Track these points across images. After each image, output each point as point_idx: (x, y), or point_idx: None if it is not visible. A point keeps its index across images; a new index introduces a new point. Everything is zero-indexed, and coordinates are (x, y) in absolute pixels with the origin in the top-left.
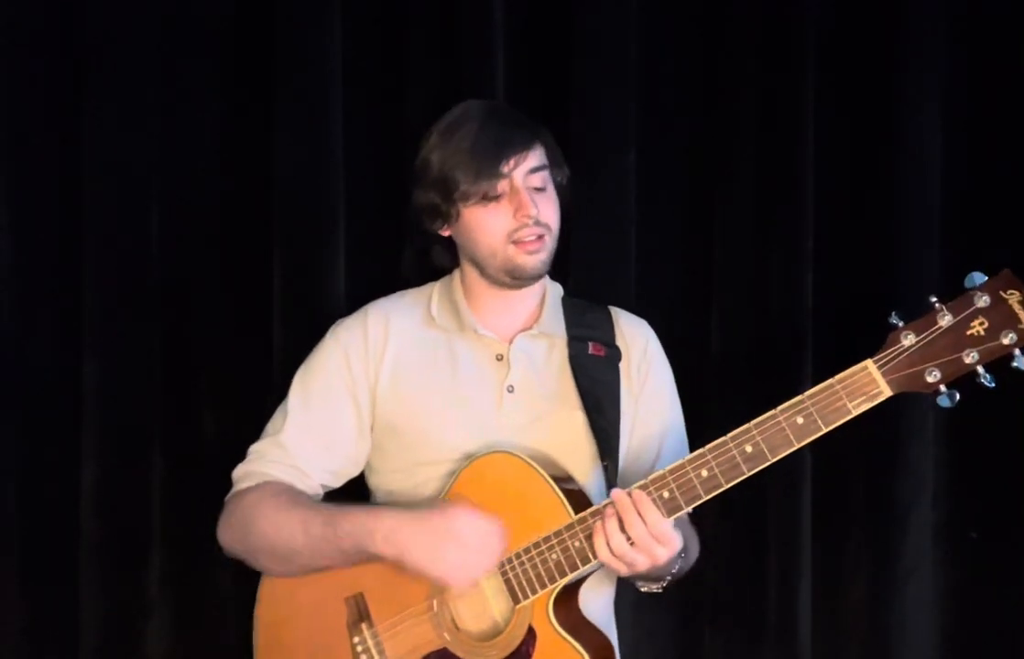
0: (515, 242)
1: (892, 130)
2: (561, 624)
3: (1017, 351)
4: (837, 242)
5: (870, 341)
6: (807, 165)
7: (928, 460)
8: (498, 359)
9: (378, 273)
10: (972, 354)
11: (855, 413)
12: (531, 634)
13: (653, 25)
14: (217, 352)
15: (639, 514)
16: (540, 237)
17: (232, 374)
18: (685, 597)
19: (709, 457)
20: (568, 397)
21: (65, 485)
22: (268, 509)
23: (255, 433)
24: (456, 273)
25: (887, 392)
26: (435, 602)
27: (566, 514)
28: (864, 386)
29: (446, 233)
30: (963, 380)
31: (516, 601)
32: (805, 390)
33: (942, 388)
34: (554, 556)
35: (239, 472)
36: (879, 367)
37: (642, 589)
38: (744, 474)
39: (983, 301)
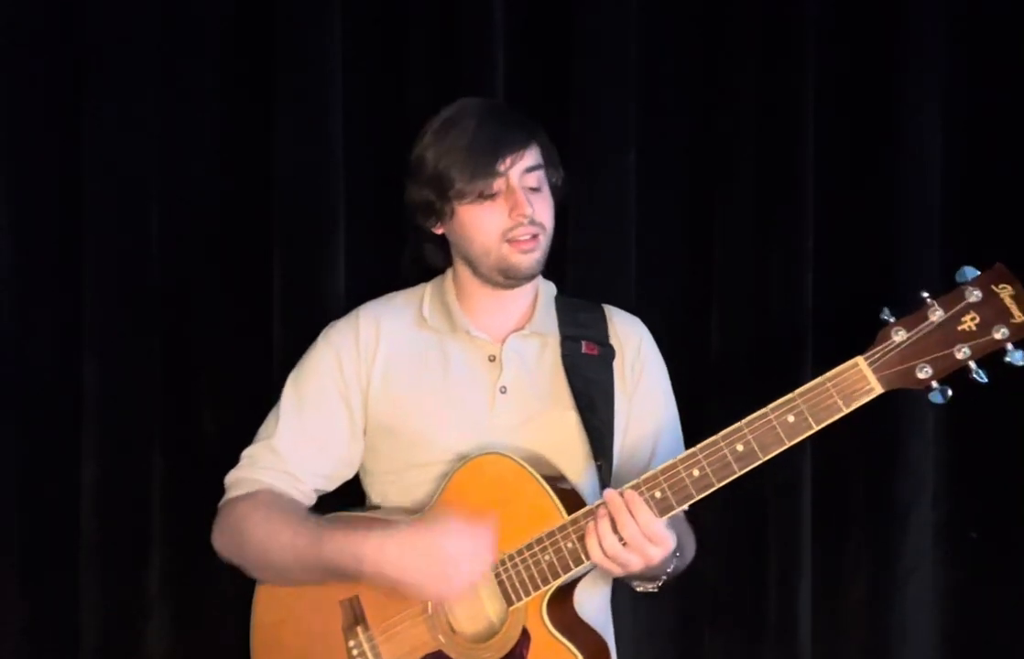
0: (509, 241)
1: (892, 130)
2: (555, 625)
3: (1010, 346)
4: (837, 242)
5: (870, 341)
6: (807, 165)
7: (928, 460)
8: (490, 360)
9: (378, 273)
10: (964, 349)
11: (846, 411)
12: (525, 636)
13: (653, 25)
14: (217, 352)
15: (631, 514)
16: (535, 237)
17: (232, 374)
18: (685, 597)
19: (700, 456)
20: (561, 397)
21: (65, 485)
22: (258, 524)
23: (255, 433)
24: (448, 273)
25: (878, 389)
26: (430, 604)
27: (559, 515)
28: (855, 383)
29: (439, 231)
30: (955, 376)
31: (510, 603)
32: None
33: (934, 384)
34: (547, 557)
35: (231, 478)
36: (870, 364)
37: (638, 589)
38: (736, 473)
39: (974, 296)
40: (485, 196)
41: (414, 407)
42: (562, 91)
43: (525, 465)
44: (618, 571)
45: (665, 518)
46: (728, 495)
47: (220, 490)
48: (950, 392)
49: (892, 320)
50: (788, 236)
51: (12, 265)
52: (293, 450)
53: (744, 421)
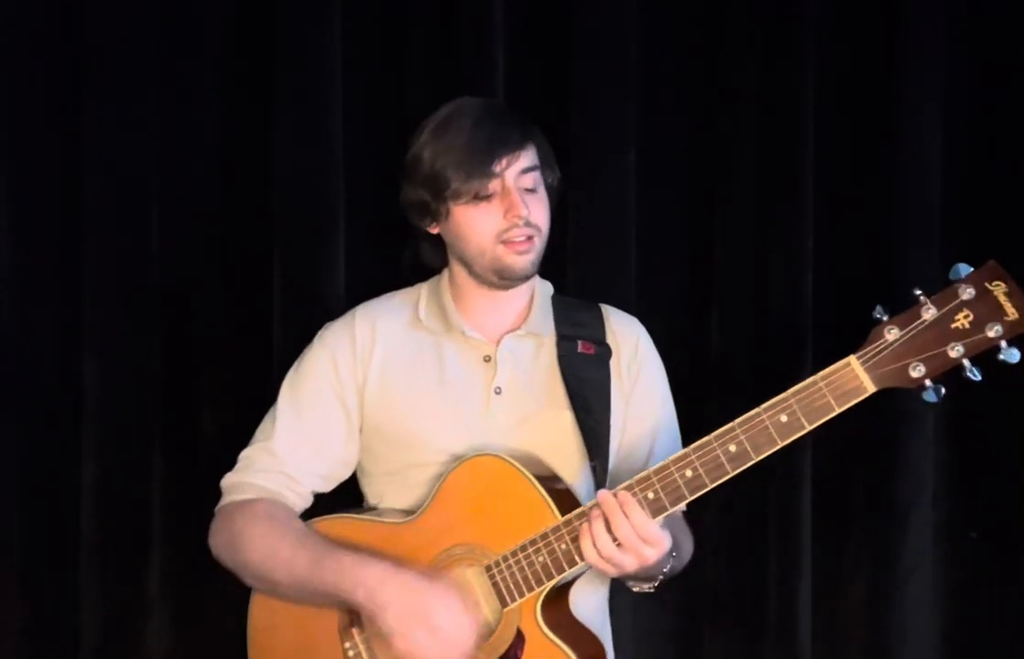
0: (504, 242)
1: (892, 130)
2: (550, 627)
3: (1003, 343)
4: (837, 242)
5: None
6: (807, 165)
7: (928, 460)
8: (485, 360)
9: (378, 273)
10: (957, 348)
11: (839, 410)
12: (520, 637)
13: (653, 25)
14: (217, 352)
15: (625, 515)
16: (530, 238)
17: (232, 374)
18: (685, 597)
19: (693, 457)
20: (556, 397)
21: (65, 485)
22: (255, 538)
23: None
24: (445, 273)
25: (870, 388)
26: None
27: (552, 516)
28: (847, 382)
29: (434, 231)
30: (949, 375)
31: (504, 604)
32: None
33: (927, 383)
34: (540, 559)
35: (229, 481)
36: (862, 363)
37: (634, 589)
38: (728, 473)
39: (968, 293)
40: (480, 197)
41: (409, 408)
42: (562, 91)
43: (518, 466)
44: (613, 572)
45: (660, 518)
46: (728, 495)
47: (220, 490)
48: (943, 391)
49: (885, 318)
50: (788, 236)
51: (12, 265)
52: (290, 452)
53: (737, 421)
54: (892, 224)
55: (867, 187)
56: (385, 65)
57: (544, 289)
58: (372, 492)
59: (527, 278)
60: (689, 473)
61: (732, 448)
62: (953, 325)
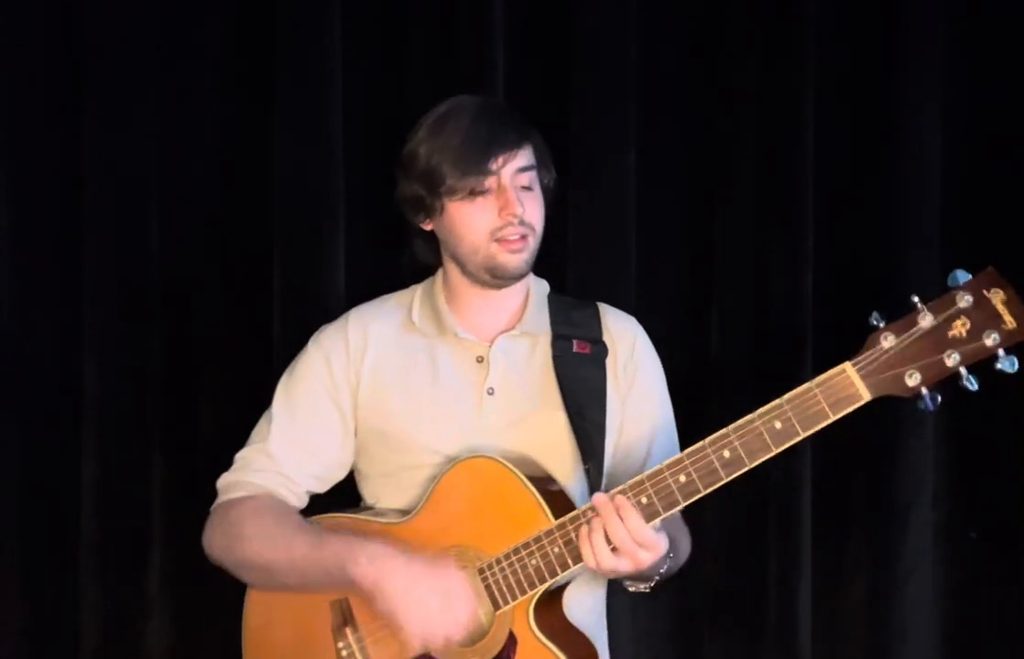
0: (498, 240)
1: (892, 130)
2: (542, 630)
3: (1001, 352)
4: (837, 242)
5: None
6: (807, 165)
7: (928, 460)
8: (478, 361)
9: (378, 273)
10: (954, 356)
11: (833, 418)
12: (512, 640)
13: (653, 25)
14: (217, 352)
15: (621, 520)
16: (524, 237)
17: (232, 374)
18: (685, 597)
19: (687, 462)
20: (550, 397)
21: (65, 485)
22: (253, 528)
23: None
24: (438, 275)
25: (866, 396)
26: None
27: (545, 518)
28: (842, 389)
29: (428, 227)
30: (946, 383)
31: (497, 606)
32: None
33: (923, 391)
34: (533, 562)
35: (225, 481)
36: (858, 370)
37: (630, 589)
38: (722, 479)
39: (965, 301)
40: (476, 193)
41: (402, 410)
42: (562, 91)
43: (512, 468)
44: (609, 574)
45: (655, 522)
46: (728, 495)
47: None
48: (940, 399)
49: (881, 325)
50: (788, 236)
51: (12, 265)
52: (286, 453)
53: (731, 427)
54: (892, 224)
55: (867, 187)
56: (385, 65)
57: (539, 288)
58: (369, 493)
59: (520, 277)
60: (683, 478)
61: (726, 454)
62: (950, 333)
